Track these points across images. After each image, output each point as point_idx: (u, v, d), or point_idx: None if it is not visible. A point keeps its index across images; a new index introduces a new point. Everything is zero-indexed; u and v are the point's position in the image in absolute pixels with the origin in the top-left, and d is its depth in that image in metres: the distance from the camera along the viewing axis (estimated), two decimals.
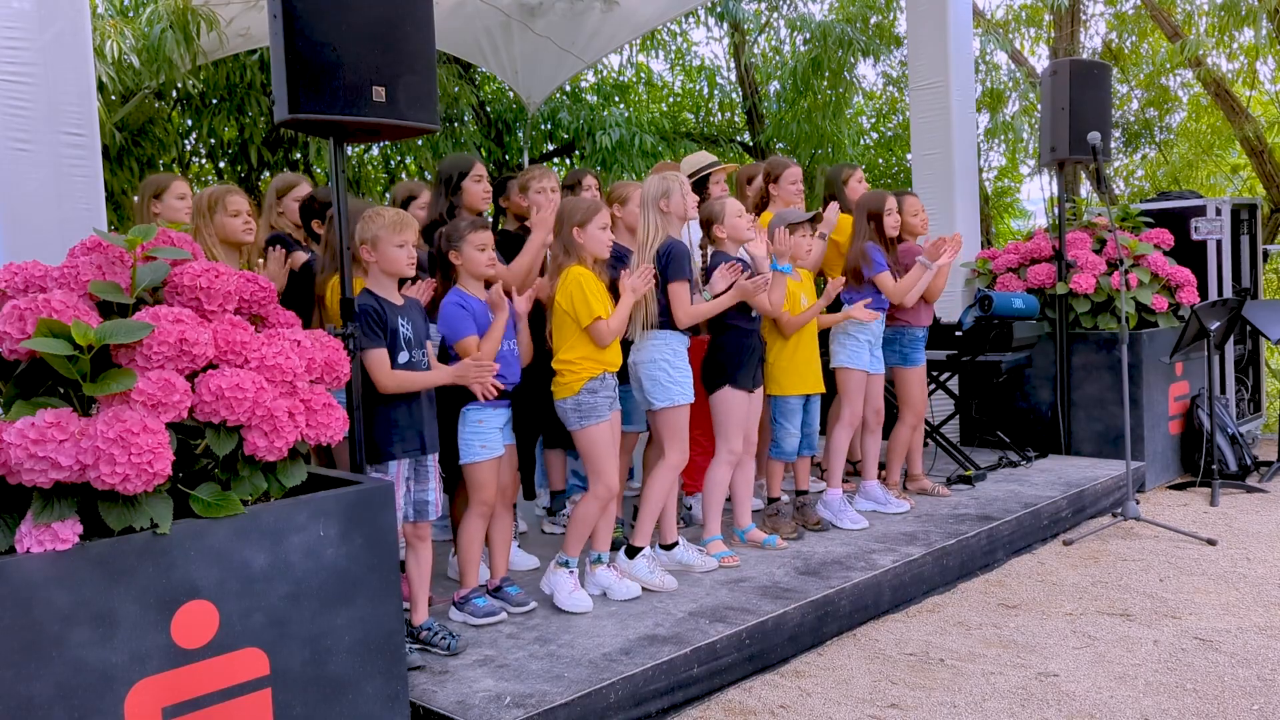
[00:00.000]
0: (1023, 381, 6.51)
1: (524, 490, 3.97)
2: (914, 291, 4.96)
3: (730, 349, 4.27)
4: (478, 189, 4.20)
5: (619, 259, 4.08)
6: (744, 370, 4.29)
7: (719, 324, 4.27)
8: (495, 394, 3.51)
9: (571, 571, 3.81)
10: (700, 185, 5.04)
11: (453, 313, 3.62)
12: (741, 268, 4.20)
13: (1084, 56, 11.31)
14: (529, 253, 4.13)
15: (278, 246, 4.03)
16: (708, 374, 4.31)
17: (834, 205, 5.21)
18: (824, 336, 4.91)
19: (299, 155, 9.29)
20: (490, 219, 4.68)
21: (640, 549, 4.01)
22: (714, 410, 4.32)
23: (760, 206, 5.30)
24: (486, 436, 3.65)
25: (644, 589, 3.92)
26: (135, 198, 4.30)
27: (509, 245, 4.39)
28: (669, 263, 4.00)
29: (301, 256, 4.09)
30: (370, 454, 3.29)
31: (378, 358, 3.28)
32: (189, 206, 3.95)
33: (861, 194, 5.28)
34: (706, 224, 4.39)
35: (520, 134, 10.62)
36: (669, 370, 4.00)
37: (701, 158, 5.32)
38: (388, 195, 9.92)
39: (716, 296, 4.17)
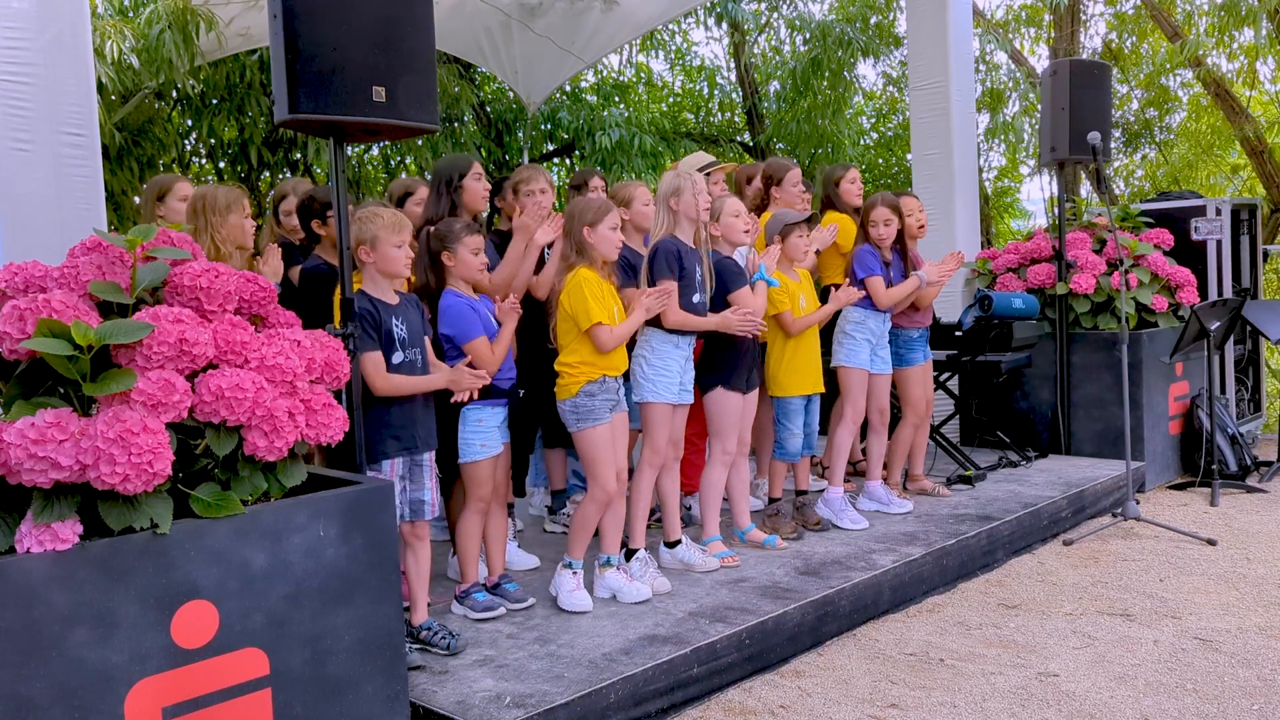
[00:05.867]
0: (1023, 381, 6.51)
1: (514, 487, 3.97)
2: (903, 302, 4.97)
3: (722, 351, 4.26)
4: (478, 187, 4.18)
5: (626, 264, 4.10)
6: (737, 372, 4.28)
7: None
8: (476, 395, 3.53)
9: (575, 572, 3.81)
10: None
11: (462, 313, 3.63)
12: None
13: (1084, 56, 11.32)
14: (509, 263, 4.07)
15: (274, 245, 4.05)
16: (701, 375, 4.30)
17: (833, 227, 5.20)
18: (826, 336, 4.92)
19: (299, 155, 9.28)
20: (485, 219, 4.67)
21: (635, 551, 4.02)
22: (708, 411, 4.32)
23: (760, 208, 5.30)
24: (486, 435, 3.67)
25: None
26: (137, 198, 4.31)
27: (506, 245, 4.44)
28: (653, 263, 4.02)
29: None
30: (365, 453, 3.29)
31: (373, 360, 3.29)
32: None
33: (855, 195, 5.33)
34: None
35: (520, 134, 10.62)
36: (644, 368, 4.02)
37: (699, 158, 5.32)
38: (386, 193, 9.92)
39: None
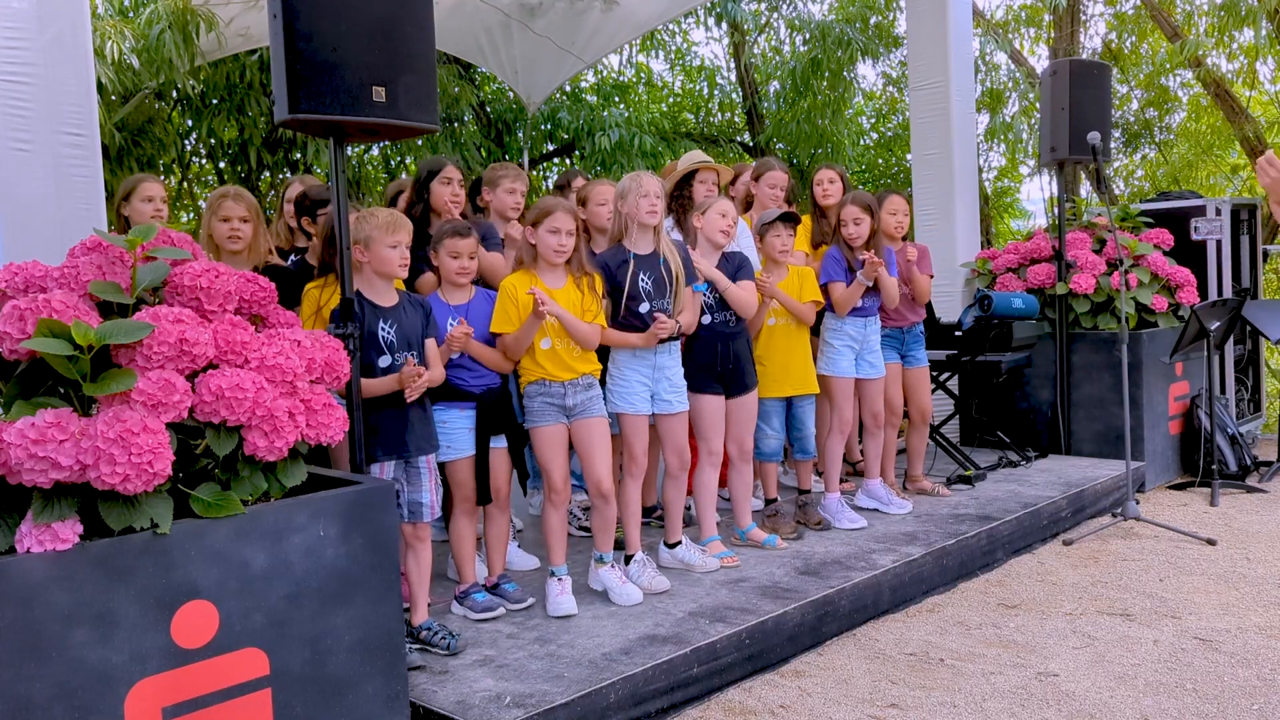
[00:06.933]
0: (1023, 381, 6.51)
1: (483, 495, 3.93)
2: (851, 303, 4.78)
3: (687, 355, 4.23)
4: (444, 191, 4.11)
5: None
6: (702, 375, 4.23)
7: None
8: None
9: (560, 579, 3.81)
10: (684, 185, 4.99)
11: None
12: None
13: (1084, 56, 11.32)
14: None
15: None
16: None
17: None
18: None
19: (299, 155, 9.28)
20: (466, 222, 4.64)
21: (632, 556, 4.02)
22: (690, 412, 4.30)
23: (748, 208, 5.30)
24: (450, 437, 3.67)
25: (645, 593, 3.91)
26: None
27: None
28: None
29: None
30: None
31: None
32: (156, 208, 3.92)
33: (820, 196, 5.28)
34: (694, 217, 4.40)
35: (520, 134, 10.62)
36: (611, 379, 4.02)
37: (694, 156, 5.29)
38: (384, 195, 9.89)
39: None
